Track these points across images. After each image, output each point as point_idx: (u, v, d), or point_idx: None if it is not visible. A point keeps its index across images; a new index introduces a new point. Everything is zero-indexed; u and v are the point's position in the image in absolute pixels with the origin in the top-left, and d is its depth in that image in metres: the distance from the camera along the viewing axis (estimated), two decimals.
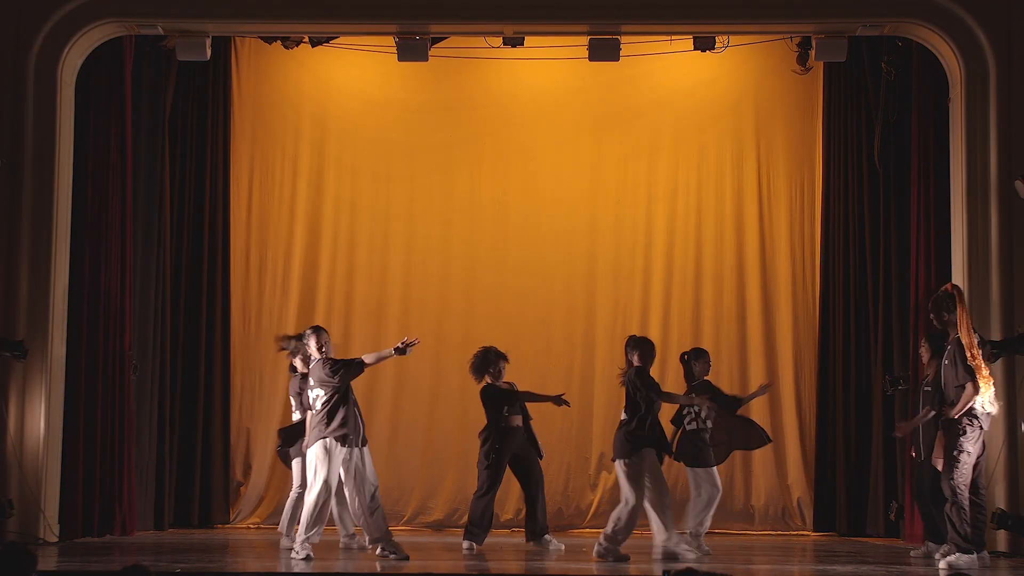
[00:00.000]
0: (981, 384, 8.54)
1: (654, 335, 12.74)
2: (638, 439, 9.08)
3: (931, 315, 8.90)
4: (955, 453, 8.57)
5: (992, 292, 10.09)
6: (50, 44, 10.52)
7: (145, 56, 11.62)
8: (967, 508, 8.57)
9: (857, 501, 12.11)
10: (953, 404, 8.66)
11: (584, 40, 11.08)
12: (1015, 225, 10.12)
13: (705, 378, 10.07)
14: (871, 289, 12.12)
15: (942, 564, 8.65)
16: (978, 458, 8.72)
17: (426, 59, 11.22)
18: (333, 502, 9.66)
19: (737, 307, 12.86)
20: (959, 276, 10.20)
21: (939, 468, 8.78)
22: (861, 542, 11.55)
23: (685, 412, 9.85)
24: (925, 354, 9.67)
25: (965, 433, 8.58)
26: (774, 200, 12.96)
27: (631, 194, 13.06)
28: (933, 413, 9.14)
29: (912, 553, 9.71)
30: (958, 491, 8.55)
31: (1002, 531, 9.77)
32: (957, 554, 8.54)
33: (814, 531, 12.38)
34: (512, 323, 12.81)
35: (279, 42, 12.46)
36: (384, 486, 12.61)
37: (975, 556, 8.53)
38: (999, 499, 9.84)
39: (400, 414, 12.84)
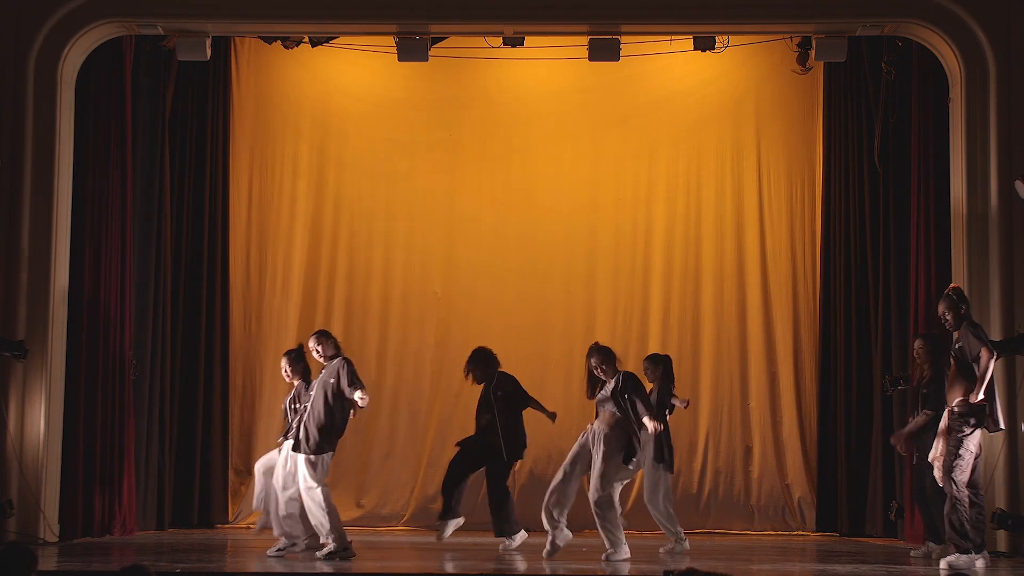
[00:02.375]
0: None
1: (654, 335, 12.81)
2: None
3: (946, 313, 8.83)
4: (957, 451, 8.56)
5: (992, 292, 10.09)
6: (50, 44, 10.52)
7: (145, 56, 11.60)
8: (967, 507, 8.57)
9: (857, 501, 12.10)
10: (955, 407, 8.65)
11: (584, 40, 11.08)
12: (1015, 225, 10.12)
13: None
14: (871, 289, 12.12)
15: (942, 564, 8.65)
16: (975, 458, 8.72)
17: (426, 59, 11.22)
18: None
19: (737, 306, 12.87)
20: (959, 276, 10.19)
21: (937, 466, 8.77)
22: (861, 542, 11.55)
23: None
24: (923, 354, 9.64)
25: (966, 432, 8.57)
26: (774, 200, 12.96)
27: (631, 194, 13.07)
28: (929, 416, 9.18)
29: (912, 553, 9.71)
30: (959, 489, 8.54)
31: (1002, 531, 9.76)
32: (956, 554, 8.54)
33: (814, 531, 12.38)
34: (512, 322, 12.83)
35: (279, 42, 12.47)
36: (384, 486, 12.69)
37: (974, 556, 8.52)
38: (999, 499, 9.83)
39: (400, 414, 12.84)
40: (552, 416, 10.42)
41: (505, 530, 10.17)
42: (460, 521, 10.23)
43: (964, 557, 8.48)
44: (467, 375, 10.53)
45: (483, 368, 10.44)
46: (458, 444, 10.47)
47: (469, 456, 10.34)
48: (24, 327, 10.25)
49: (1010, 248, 10.11)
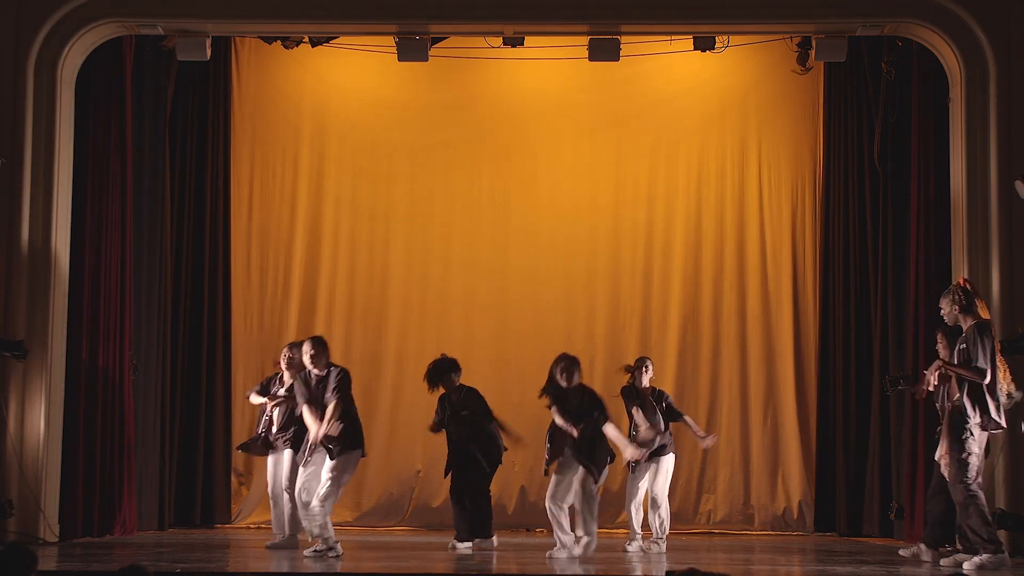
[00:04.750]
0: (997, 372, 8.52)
1: (654, 335, 12.82)
2: None
3: (955, 308, 8.75)
4: (963, 456, 8.51)
5: (992, 292, 10.08)
6: (50, 44, 10.52)
7: (145, 56, 11.61)
8: (985, 507, 8.53)
9: (856, 501, 12.11)
10: (955, 403, 8.61)
11: (584, 40, 11.08)
12: (1015, 225, 10.11)
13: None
14: (871, 289, 12.13)
15: (966, 566, 8.49)
16: (983, 458, 8.69)
17: (426, 59, 11.22)
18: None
19: (737, 306, 12.87)
20: (959, 276, 10.18)
21: (943, 465, 8.72)
22: (860, 542, 11.55)
23: None
24: (944, 350, 9.57)
25: (970, 435, 8.53)
26: (774, 200, 12.96)
27: (631, 194, 13.07)
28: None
29: (901, 551, 9.61)
30: (972, 492, 8.50)
31: (1002, 531, 9.75)
32: (985, 555, 8.42)
33: (814, 531, 12.39)
34: (512, 323, 12.84)
35: (279, 42, 12.47)
36: (384, 486, 12.70)
37: (1002, 556, 8.45)
38: (999, 499, 9.83)
39: (400, 414, 12.84)
40: (516, 437, 10.38)
41: (479, 532, 10.15)
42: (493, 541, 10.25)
43: (990, 558, 8.38)
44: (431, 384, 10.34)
45: (441, 378, 10.27)
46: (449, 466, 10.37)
47: (460, 473, 10.27)
48: (24, 327, 10.25)
49: (1010, 248, 10.10)
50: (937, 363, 8.74)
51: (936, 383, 8.81)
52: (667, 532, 10.02)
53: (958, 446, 8.53)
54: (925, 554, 9.20)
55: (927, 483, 10.34)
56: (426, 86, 13.00)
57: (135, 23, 10.79)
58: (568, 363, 9.34)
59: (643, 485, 10.09)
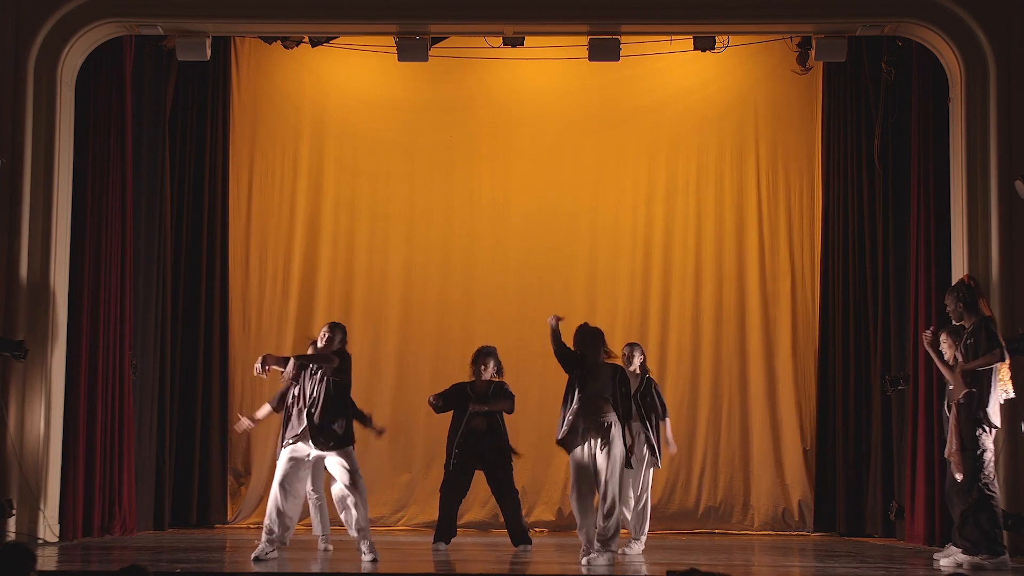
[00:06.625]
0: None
1: (653, 335, 12.81)
2: None
3: (960, 304, 8.74)
4: (978, 453, 8.50)
5: (992, 292, 10.07)
6: (50, 44, 10.52)
7: (145, 56, 11.61)
8: (999, 509, 8.51)
9: (857, 501, 12.11)
10: (961, 399, 8.57)
11: (584, 40, 11.08)
12: (1015, 225, 10.11)
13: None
14: (871, 289, 12.13)
15: (967, 566, 8.53)
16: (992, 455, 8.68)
17: (426, 59, 11.22)
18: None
19: (737, 307, 12.87)
20: (959, 276, 10.18)
21: (953, 463, 8.70)
22: (861, 542, 11.55)
23: None
24: (949, 349, 9.55)
25: (983, 431, 8.51)
26: (774, 200, 12.97)
27: (631, 194, 13.07)
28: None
29: (935, 555, 9.50)
30: (990, 492, 8.48)
31: (1003, 531, 9.73)
32: (986, 556, 8.42)
33: (814, 531, 12.39)
34: (512, 323, 12.82)
35: (279, 42, 12.48)
36: (384, 486, 12.68)
37: (1004, 557, 8.45)
38: (999, 499, 9.80)
39: (400, 414, 12.83)
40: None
41: (525, 535, 10.13)
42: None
43: (991, 559, 8.37)
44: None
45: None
46: (454, 463, 10.26)
47: (470, 468, 10.24)
48: (24, 327, 10.25)
49: (1010, 248, 10.10)
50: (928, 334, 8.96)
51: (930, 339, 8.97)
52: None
53: (972, 443, 8.51)
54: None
55: (927, 483, 10.36)
56: (426, 86, 12.99)
57: (135, 23, 10.79)
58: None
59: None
